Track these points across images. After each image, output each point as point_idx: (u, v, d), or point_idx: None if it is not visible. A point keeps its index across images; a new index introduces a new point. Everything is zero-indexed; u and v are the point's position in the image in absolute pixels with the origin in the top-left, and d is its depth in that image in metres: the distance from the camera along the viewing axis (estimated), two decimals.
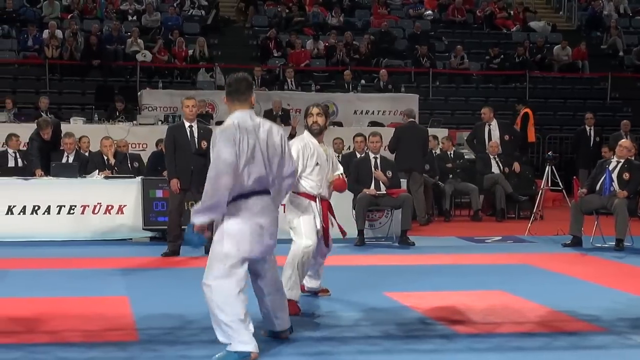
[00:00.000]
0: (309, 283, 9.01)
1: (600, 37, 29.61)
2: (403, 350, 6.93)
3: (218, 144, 6.42)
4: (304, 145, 8.57)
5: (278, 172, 6.72)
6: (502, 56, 26.68)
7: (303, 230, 8.36)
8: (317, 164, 8.55)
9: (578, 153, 20.91)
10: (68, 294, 9.14)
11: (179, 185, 12.02)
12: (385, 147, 15.81)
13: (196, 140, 12.09)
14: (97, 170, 14.55)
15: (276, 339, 7.08)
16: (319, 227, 8.49)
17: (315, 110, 8.66)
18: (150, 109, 21.37)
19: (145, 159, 15.70)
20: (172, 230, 12.27)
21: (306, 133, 8.70)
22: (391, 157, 15.65)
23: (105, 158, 15.09)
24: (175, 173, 12.06)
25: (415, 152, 16.00)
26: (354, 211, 13.68)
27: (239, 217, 6.53)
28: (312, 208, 8.50)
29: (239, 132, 6.45)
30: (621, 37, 28.77)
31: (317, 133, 8.67)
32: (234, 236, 6.51)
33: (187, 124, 12.21)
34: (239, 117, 6.58)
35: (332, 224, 8.77)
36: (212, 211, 6.42)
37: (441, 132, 19.46)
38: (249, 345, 6.46)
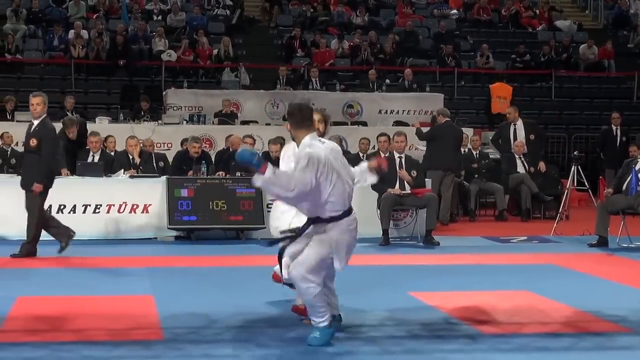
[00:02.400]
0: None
1: (627, 36, 29.42)
2: (428, 350, 6.92)
3: (301, 168, 6.85)
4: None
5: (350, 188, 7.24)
6: (527, 55, 26.56)
7: None
8: None
9: (604, 153, 20.81)
10: (93, 293, 9.18)
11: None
12: (410, 146, 15.80)
13: (29, 138, 11.78)
14: (123, 170, 14.60)
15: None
16: None
17: (316, 116, 8.33)
18: (175, 108, 21.43)
19: (170, 159, 15.74)
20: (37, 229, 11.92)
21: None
22: (416, 156, 15.63)
23: (131, 157, 15.14)
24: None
25: (452, 152, 16.01)
26: (378, 211, 13.67)
27: (338, 231, 7.09)
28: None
29: (320, 160, 6.87)
30: None
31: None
32: (334, 245, 7.06)
33: (31, 122, 11.90)
34: (313, 143, 7.02)
35: None
36: (270, 188, 6.87)
37: (466, 132, 19.40)
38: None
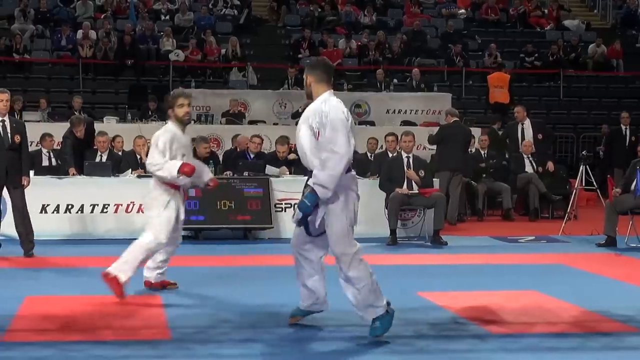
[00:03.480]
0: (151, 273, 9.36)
1: (636, 35, 29.34)
2: (436, 350, 6.90)
3: (337, 134, 6.80)
4: (172, 136, 8.87)
5: None
6: (536, 55, 26.53)
7: (159, 226, 8.87)
8: (183, 155, 8.95)
9: (613, 152, 20.75)
10: (101, 293, 9.17)
11: None
12: (418, 146, 15.79)
13: (9, 135, 11.56)
14: (130, 169, 14.62)
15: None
16: (182, 217, 9.11)
17: (187, 100, 8.91)
18: None
19: None
20: None
21: (171, 124, 8.95)
22: (424, 156, 15.62)
23: (138, 157, 15.15)
24: None
25: (460, 152, 15.99)
26: (386, 210, 13.66)
27: (352, 191, 7.05)
28: (177, 199, 9.01)
29: (344, 116, 6.91)
30: None
31: (188, 123, 9.07)
32: (354, 207, 7.06)
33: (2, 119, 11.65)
34: (335, 99, 7.03)
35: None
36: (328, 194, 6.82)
37: (474, 132, 19.37)
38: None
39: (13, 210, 11.72)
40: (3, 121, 11.61)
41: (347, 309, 8.22)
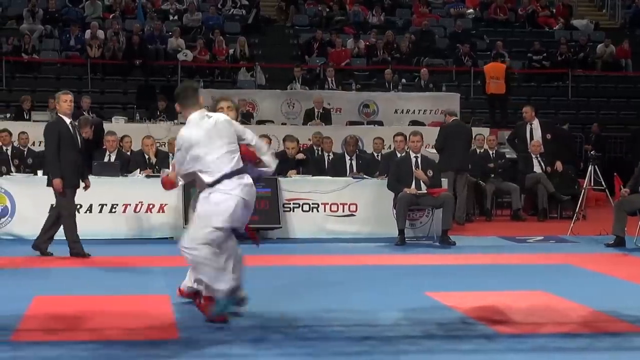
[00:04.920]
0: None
1: None
2: (444, 350, 6.90)
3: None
4: None
5: None
6: (544, 54, 26.48)
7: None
8: None
9: (634, 152, 20.59)
10: (109, 292, 9.20)
11: (62, 184, 11.39)
12: (427, 146, 15.76)
13: (78, 136, 11.71)
14: (139, 169, 14.63)
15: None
16: None
17: (225, 104, 8.86)
18: None
19: None
20: (72, 233, 11.72)
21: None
22: (433, 156, 15.59)
23: (147, 157, 15.17)
24: (61, 172, 11.41)
25: (463, 151, 15.97)
26: (394, 210, 13.65)
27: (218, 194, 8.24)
28: None
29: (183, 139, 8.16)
30: None
31: None
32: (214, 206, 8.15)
33: (67, 120, 11.58)
34: (192, 121, 8.06)
35: None
36: None
37: (482, 132, 19.35)
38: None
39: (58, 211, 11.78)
40: (71, 122, 11.70)
41: (355, 308, 8.24)
